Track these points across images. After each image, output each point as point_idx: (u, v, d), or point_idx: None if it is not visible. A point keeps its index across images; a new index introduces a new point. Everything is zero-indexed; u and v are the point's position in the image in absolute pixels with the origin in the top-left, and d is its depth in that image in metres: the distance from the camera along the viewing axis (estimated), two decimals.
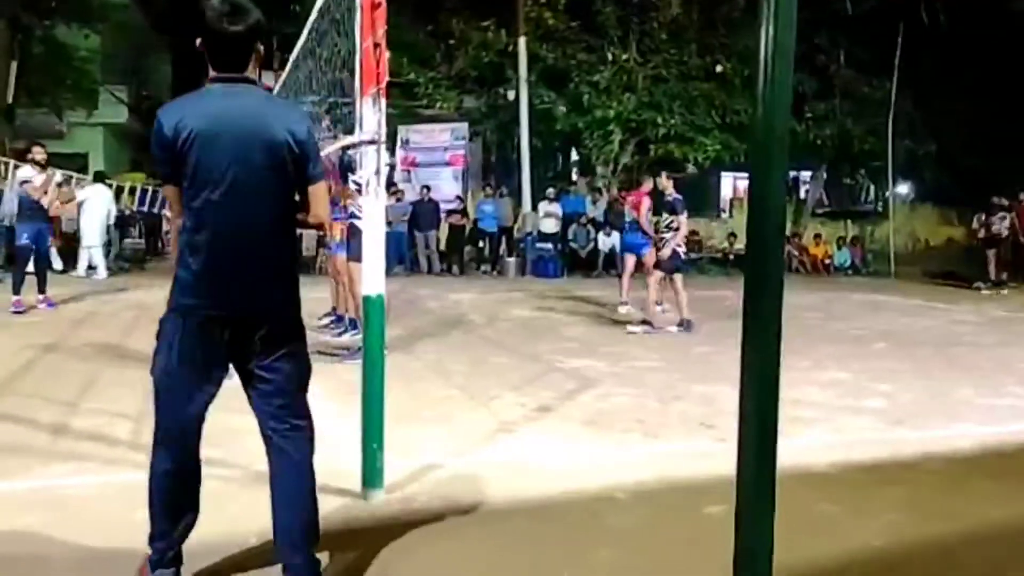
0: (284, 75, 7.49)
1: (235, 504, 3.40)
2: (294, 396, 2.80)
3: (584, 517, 3.63)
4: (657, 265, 9.21)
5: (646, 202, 10.16)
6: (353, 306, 8.10)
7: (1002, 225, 15.02)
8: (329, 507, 3.60)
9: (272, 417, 2.76)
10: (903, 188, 24.75)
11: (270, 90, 8.30)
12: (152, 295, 11.42)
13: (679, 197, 9.09)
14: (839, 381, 6.60)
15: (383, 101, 3.58)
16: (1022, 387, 6.53)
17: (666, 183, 9.22)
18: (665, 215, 9.16)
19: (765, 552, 1.75)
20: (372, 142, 3.55)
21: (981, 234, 15.58)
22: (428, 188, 17.71)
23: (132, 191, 17.91)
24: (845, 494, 3.88)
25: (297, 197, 2.79)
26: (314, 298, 9.08)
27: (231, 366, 2.73)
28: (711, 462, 4.53)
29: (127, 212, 17.11)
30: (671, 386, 6.32)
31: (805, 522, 3.49)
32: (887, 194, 22.19)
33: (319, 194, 2.82)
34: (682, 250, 9.17)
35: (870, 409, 5.63)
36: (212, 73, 2.69)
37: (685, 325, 9.12)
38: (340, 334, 8.20)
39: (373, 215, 3.62)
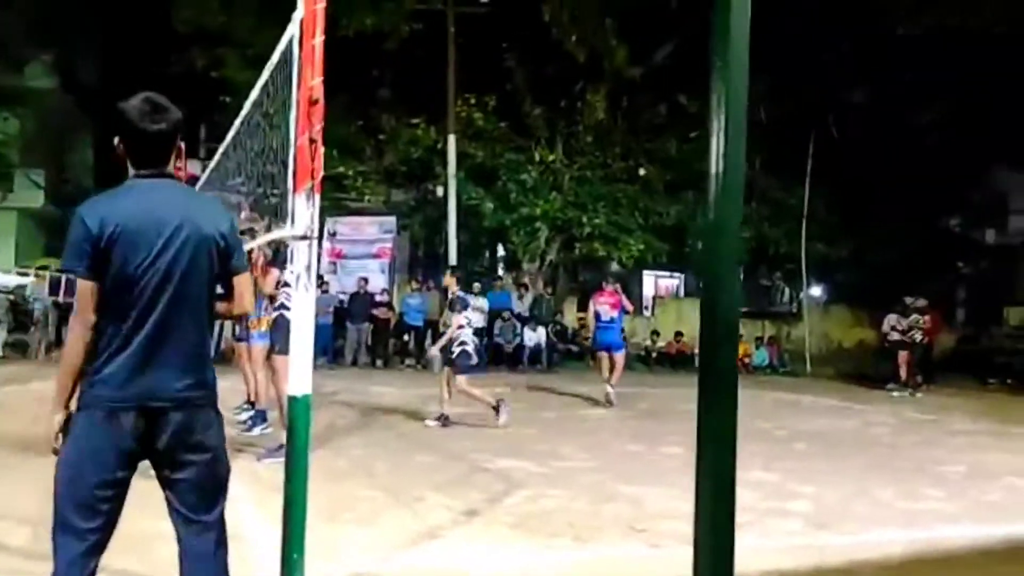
0: (212, 164, 7.41)
1: None
2: (210, 495, 2.70)
3: None
4: (454, 367, 8.96)
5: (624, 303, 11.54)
6: (264, 397, 7.89)
7: (918, 327, 15.42)
8: None
9: (184, 516, 2.66)
10: (817, 290, 25.62)
11: (196, 179, 8.22)
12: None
13: (461, 295, 9.19)
14: (765, 482, 6.61)
15: (316, 197, 3.52)
16: (940, 489, 6.65)
17: (450, 280, 9.38)
18: (447, 312, 9.27)
19: None
20: (304, 237, 3.47)
21: (893, 336, 16.02)
22: (366, 280, 17.62)
23: (42, 279, 17.25)
24: None
25: (220, 289, 2.78)
26: (227, 387, 8.80)
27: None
28: (645, 567, 4.46)
29: (32, 299, 16.40)
30: (600, 487, 6.23)
31: None
32: (801, 295, 22.93)
33: (244, 284, 2.86)
34: (470, 348, 8.94)
35: (796, 512, 5.64)
36: (133, 170, 2.71)
37: (444, 420, 8.95)
38: (249, 429, 7.92)
39: (303, 311, 3.52)
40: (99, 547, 2.57)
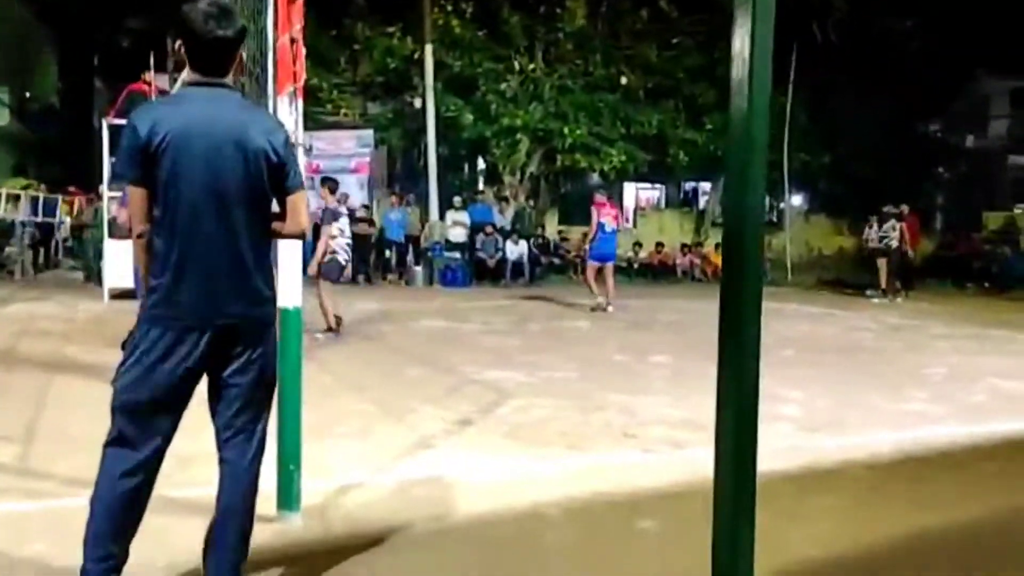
0: (182, 77, 7.15)
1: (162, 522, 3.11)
2: (256, 406, 2.73)
3: (515, 536, 3.49)
4: (321, 275, 8.87)
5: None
6: None
7: (892, 235, 15.52)
8: None
9: (227, 423, 2.68)
10: (798, 199, 25.58)
11: (164, 93, 7.96)
12: (41, 308, 10.76)
13: (331, 208, 9.10)
14: None
15: (299, 101, 3.37)
16: (925, 392, 6.74)
17: (324, 193, 9.25)
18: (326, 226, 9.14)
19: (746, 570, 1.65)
20: None
21: (872, 244, 16.11)
22: (346, 196, 17.31)
23: (14, 199, 16.84)
24: (774, 504, 3.82)
25: (275, 207, 2.73)
26: None
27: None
28: (638, 474, 4.48)
29: (7, 220, 16.08)
30: (590, 396, 6.24)
31: None
32: (782, 205, 22.89)
33: (299, 203, 2.77)
34: (342, 258, 8.97)
35: (787, 416, 5.68)
36: (191, 76, 2.62)
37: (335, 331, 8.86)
38: None
39: None
40: (150, 464, 2.58)
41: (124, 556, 2.59)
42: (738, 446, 1.72)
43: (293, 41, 3.31)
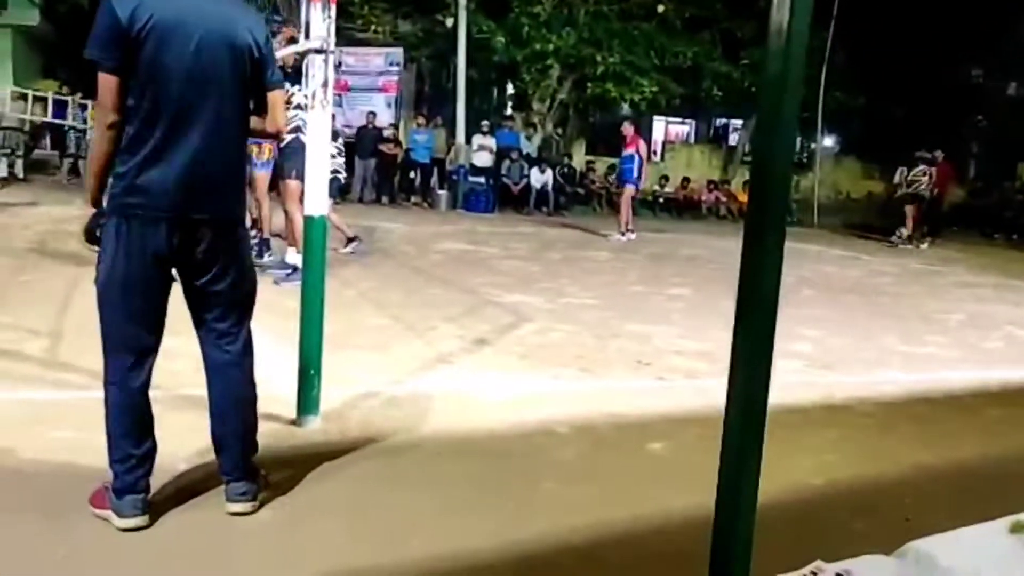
0: None
1: (160, 428, 3.22)
2: (238, 307, 2.75)
3: (526, 450, 3.59)
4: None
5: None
6: (269, 226, 7.92)
7: (923, 180, 15.27)
8: (264, 434, 3.46)
9: (212, 328, 2.71)
10: (829, 140, 25.17)
11: None
12: (66, 211, 10.90)
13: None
14: None
15: (333, 7, 3.36)
16: (941, 336, 6.74)
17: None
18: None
19: (750, 493, 1.71)
20: (320, 51, 3.33)
21: (903, 189, 15.88)
22: (374, 114, 17.25)
23: (43, 100, 16.88)
24: (782, 434, 3.90)
25: (252, 104, 2.69)
26: None
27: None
28: (650, 399, 4.56)
29: (37, 122, 16.16)
30: (606, 324, 6.30)
31: None
32: (813, 146, 22.52)
33: (277, 101, 2.77)
34: (340, 176, 8.68)
35: (801, 353, 5.72)
36: None
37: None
38: (259, 255, 7.95)
39: (319, 130, 3.42)
40: (150, 351, 2.62)
41: (148, 455, 2.64)
42: (751, 377, 1.76)
43: None
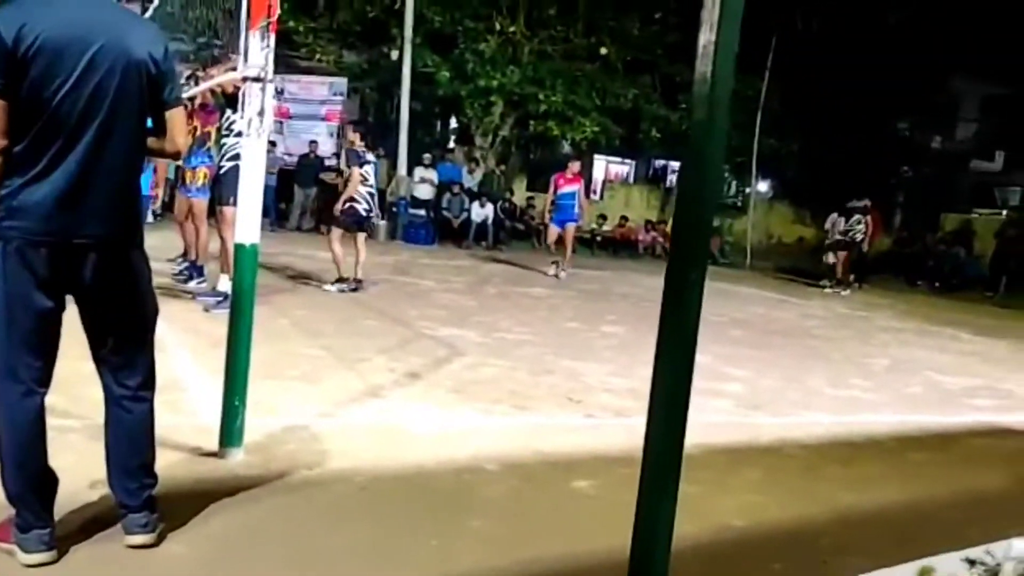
0: (153, 6, 7.01)
1: (71, 454, 3.11)
2: (134, 339, 2.63)
3: (454, 486, 3.56)
4: (335, 221, 8.88)
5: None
6: (204, 252, 7.82)
7: (858, 228, 15.66)
8: (184, 465, 3.40)
9: (105, 359, 2.61)
10: (763, 185, 25.82)
11: None
12: None
13: (359, 151, 8.84)
14: (699, 364, 6.71)
15: (272, 36, 3.35)
16: (865, 380, 6.92)
17: (353, 136, 9.14)
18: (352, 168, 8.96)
19: (665, 535, 1.72)
20: (257, 79, 3.31)
21: (833, 236, 16.38)
22: (315, 143, 17.17)
23: None
24: (707, 475, 3.97)
25: (151, 123, 2.59)
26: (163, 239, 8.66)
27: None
28: (578, 436, 4.58)
29: None
30: (539, 359, 6.33)
31: None
32: (747, 190, 23.09)
33: (177, 120, 2.65)
34: (362, 206, 8.76)
35: (729, 393, 5.81)
36: None
37: (355, 285, 8.70)
38: (185, 281, 7.83)
39: (254, 158, 3.39)
40: (42, 382, 2.50)
41: (43, 487, 2.52)
42: (669, 415, 1.79)
43: None
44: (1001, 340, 10.40)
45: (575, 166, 13.15)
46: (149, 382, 2.69)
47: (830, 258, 16.08)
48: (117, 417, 2.64)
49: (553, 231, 12.68)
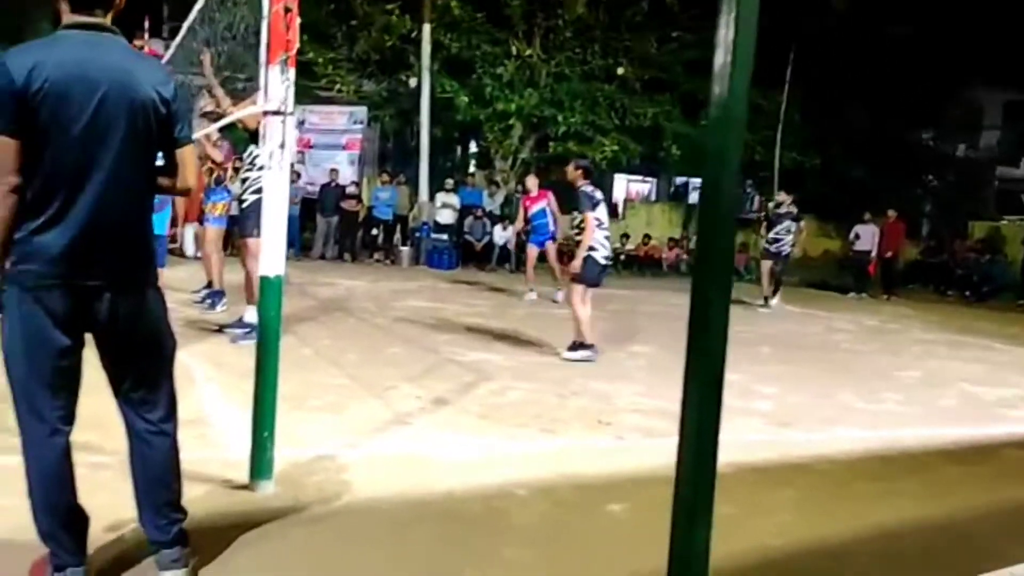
0: (176, 43, 7.13)
1: (106, 492, 3.12)
2: (153, 375, 2.64)
3: (485, 514, 3.54)
4: (576, 279, 7.27)
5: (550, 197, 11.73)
6: (220, 280, 7.97)
7: (784, 240, 15.04)
8: (215, 498, 3.40)
9: (126, 397, 2.61)
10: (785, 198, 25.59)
11: (159, 57, 7.97)
12: None
13: (585, 190, 7.30)
14: (729, 382, 6.65)
15: (291, 71, 3.38)
16: (896, 393, 6.82)
17: (575, 174, 7.41)
18: (575, 213, 7.46)
19: (701, 558, 1.69)
20: (278, 112, 3.34)
21: (857, 246, 16.34)
22: (336, 171, 17.33)
23: None
24: (742, 495, 3.91)
25: (162, 161, 2.60)
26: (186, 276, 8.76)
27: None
28: (610, 459, 4.54)
29: None
30: (567, 382, 6.29)
31: None
32: (770, 204, 22.94)
33: (188, 158, 2.65)
34: (601, 253, 7.24)
35: (760, 411, 5.75)
36: (68, 17, 2.45)
37: (591, 348, 7.28)
38: (211, 306, 7.98)
39: (276, 191, 3.42)
40: (66, 420, 2.52)
41: (73, 525, 2.53)
42: (700, 434, 1.77)
43: (288, 10, 3.31)
44: None
45: (531, 182, 12.17)
46: (171, 416, 2.70)
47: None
48: (141, 452, 2.65)
49: (532, 253, 12.08)
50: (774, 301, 12.94)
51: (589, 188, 7.32)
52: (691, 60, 19.30)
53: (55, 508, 2.50)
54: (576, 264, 7.18)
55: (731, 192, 1.74)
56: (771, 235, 13.40)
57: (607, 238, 7.40)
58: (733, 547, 3.29)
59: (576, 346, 7.26)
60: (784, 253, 13.20)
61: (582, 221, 7.22)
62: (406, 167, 19.19)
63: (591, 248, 7.14)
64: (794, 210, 13.38)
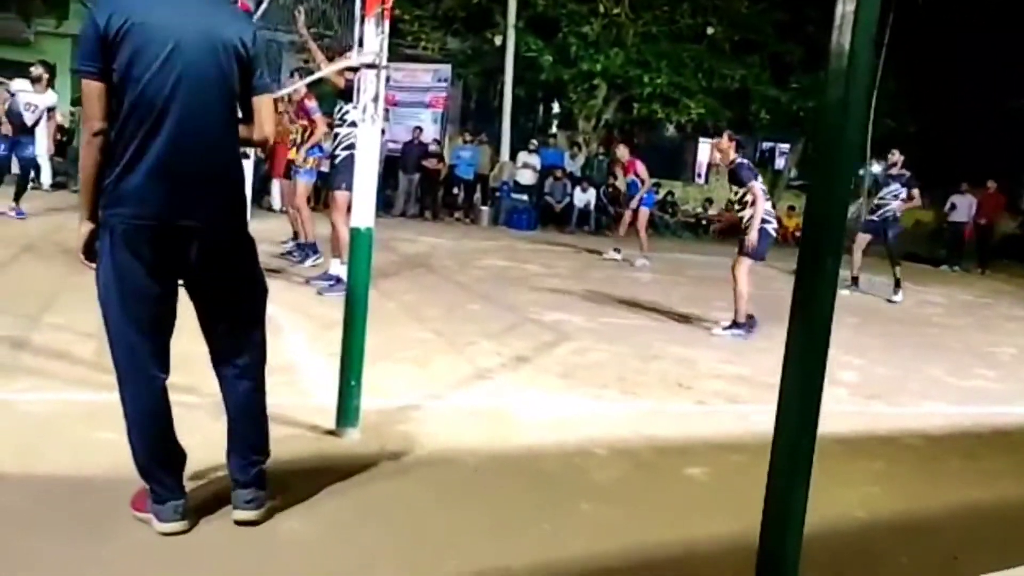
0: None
1: (200, 433, 3.24)
2: (245, 320, 2.69)
3: (564, 470, 3.56)
4: (749, 252, 6.88)
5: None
6: (311, 233, 8.16)
7: (968, 212, 14.85)
8: (302, 443, 3.51)
9: (219, 343, 2.67)
10: (877, 167, 24.77)
11: (250, 13, 8.13)
12: None
13: (743, 162, 7.03)
14: None
15: (387, 23, 3.39)
16: (989, 370, 6.59)
17: (729, 145, 7.05)
18: (736, 188, 7.12)
19: (797, 523, 1.68)
20: (372, 66, 3.36)
21: (952, 216, 15.76)
22: (420, 129, 17.39)
23: None
24: (826, 465, 3.80)
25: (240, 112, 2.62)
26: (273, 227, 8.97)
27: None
28: (690, 423, 4.51)
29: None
30: (649, 345, 6.25)
31: None
32: (861, 172, 22.20)
33: (265, 107, 2.66)
34: (771, 227, 6.96)
35: (846, 382, 5.61)
36: None
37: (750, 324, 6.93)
38: (301, 261, 8.17)
39: (369, 144, 3.45)
40: (161, 367, 2.58)
41: (170, 462, 2.62)
42: (803, 402, 1.74)
43: None
44: None
45: (622, 150, 12.43)
46: (259, 362, 2.75)
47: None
48: (229, 395, 2.73)
49: (643, 217, 12.12)
50: (897, 297, 10.58)
51: (748, 163, 7.11)
52: (781, 21, 18.71)
53: (153, 447, 2.60)
54: (752, 237, 6.83)
55: (852, 150, 1.68)
56: (875, 201, 11.57)
57: (773, 209, 7.21)
58: (819, 516, 3.22)
59: (732, 325, 6.93)
60: (891, 217, 11.21)
61: (746, 193, 6.94)
62: (488, 126, 19.15)
63: (764, 220, 6.87)
64: (907, 173, 11.32)
